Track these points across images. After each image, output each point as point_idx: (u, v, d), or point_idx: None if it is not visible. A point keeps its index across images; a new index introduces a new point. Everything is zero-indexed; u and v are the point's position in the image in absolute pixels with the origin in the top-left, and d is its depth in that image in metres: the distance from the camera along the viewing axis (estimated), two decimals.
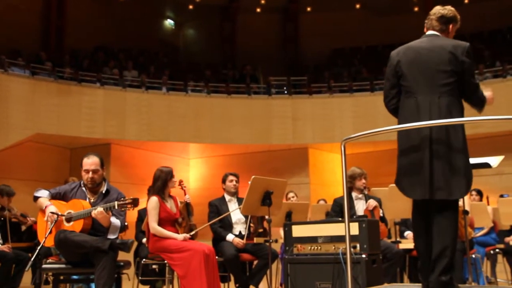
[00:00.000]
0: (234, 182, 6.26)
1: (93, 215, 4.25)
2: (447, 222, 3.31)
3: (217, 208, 6.13)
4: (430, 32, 3.58)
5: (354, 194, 6.06)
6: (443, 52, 3.37)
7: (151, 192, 5.37)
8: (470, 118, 3.48)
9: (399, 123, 3.51)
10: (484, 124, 11.76)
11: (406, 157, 3.45)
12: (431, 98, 3.37)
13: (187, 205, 6.30)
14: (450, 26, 3.57)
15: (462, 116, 3.42)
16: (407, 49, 3.54)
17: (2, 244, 6.42)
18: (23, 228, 7.23)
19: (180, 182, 6.49)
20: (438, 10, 3.59)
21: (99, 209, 4.22)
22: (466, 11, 17.07)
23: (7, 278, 6.32)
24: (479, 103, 3.45)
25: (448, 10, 3.58)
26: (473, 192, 8.16)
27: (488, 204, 8.49)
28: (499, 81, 13.40)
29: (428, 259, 3.37)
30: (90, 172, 4.51)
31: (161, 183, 5.25)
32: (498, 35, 17.38)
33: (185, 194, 6.44)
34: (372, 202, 5.87)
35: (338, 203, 5.99)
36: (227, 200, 6.23)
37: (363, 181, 6.02)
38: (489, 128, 12.06)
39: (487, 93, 3.46)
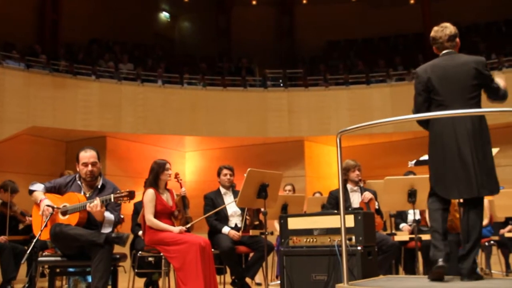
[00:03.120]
0: (228, 176, 6.26)
1: (88, 208, 4.24)
2: (480, 215, 3.71)
3: (212, 201, 6.13)
4: (446, 51, 3.91)
5: (349, 187, 6.07)
6: (468, 68, 3.78)
7: (146, 184, 5.36)
8: (465, 111, 3.52)
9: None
10: None
11: (445, 164, 3.71)
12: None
13: (183, 198, 6.31)
14: (458, 40, 3.95)
15: (486, 123, 3.79)
16: (434, 67, 3.87)
17: None
18: (21, 226, 7.24)
19: (176, 175, 6.49)
20: (442, 33, 3.89)
21: (96, 201, 4.21)
22: (462, 4, 17.08)
23: (9, 270, 6.32)
24: (505, 97, 3.91)
25: (449, 28, 3.91)
26: None
27: None
28: (495, 74, 13.35)
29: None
30: (89, 165, 4.51)
31: (153, 175, 5.25)
32: (494, 28, 17.36)
33: (181, 187, 6.45)
34: (368, 195, 5.90)
35: (333, 195, 6.01)
36: (222, 193, 6.24)
37: (357, 172, 6.04)
38: None
39: (501, 83, 3.93)
